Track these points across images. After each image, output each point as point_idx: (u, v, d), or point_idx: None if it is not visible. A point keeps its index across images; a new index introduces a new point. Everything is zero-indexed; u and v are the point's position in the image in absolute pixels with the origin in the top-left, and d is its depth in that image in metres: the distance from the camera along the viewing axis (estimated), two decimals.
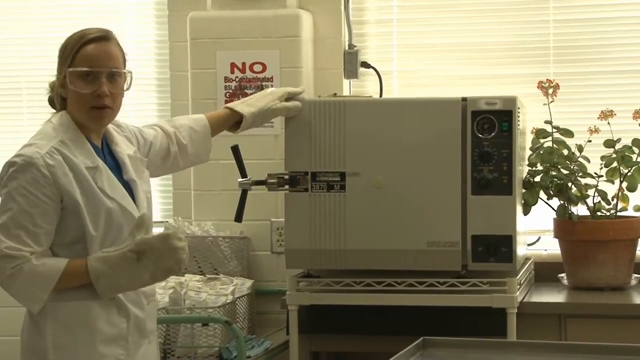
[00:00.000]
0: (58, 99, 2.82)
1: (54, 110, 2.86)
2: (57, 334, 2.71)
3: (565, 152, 4.00)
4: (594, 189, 3.98)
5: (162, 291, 3.87)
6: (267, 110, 3.44)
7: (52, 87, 2.84)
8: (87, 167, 2.73)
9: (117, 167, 2.85)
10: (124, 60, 2.84)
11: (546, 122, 4.03)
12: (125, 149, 2.88)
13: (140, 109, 4.67)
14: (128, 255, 2.66)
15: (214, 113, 3.41)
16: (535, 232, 4.24)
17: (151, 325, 2.89)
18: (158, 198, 4.62)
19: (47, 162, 2.67)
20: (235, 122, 3.39)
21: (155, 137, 3.11)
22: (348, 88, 4.53)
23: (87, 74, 2.74)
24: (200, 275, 4.13)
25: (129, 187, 2.83)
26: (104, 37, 2.79)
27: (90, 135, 2.81)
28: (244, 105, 3.39)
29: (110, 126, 2.88)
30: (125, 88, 2.83)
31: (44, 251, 2.69)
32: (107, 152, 2.85)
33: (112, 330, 2.75)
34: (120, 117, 4.55)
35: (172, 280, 3.99)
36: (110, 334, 2.75)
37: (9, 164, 2.70)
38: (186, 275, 4.11)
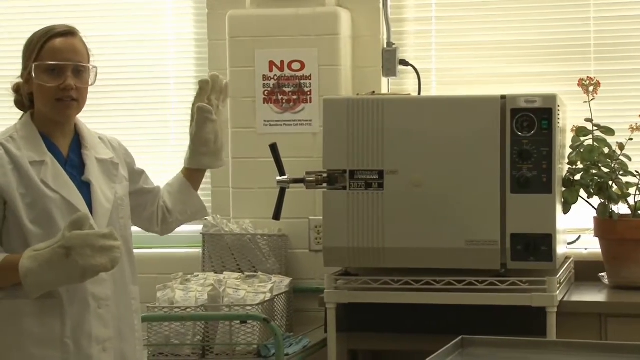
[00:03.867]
0: (27, 98, 2.81)
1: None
2: None
3: (606, 150, 3.97)
4: (635, 187, 3.95)
5: (200, 289, 3.89)
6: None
7: (17, 88, 2.83)
8: (33, 161, 2.73)
9: (83, 168, 2.82)
10: (88, 57, 2.83)
11: (587, 120, 4.00)
12: (94, 153, 2.85)
13: (179, 107, 4.69)
14: (57, 251, 2.59)
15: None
16: (576, 230, 4.21)
17: (104, 332, 2.77)
18: None
19: None
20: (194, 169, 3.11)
21: (145, 184, 3.02)
22: (386, 86, 4.52)
23: (53, 68, 2.75)
24: (239, 273, 4.14)
25: (88, 188, 2.80)
26: (70, 32, 2.80)
27: (54, 134, 2.80)
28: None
29: (87, 131, 2.88)
30: (90, 83, 2.81)
31: None
32: (76, 154, 2.83)
33: (43, 331, 2.69)
34: (163, 114, 4.63)
35: (211, 277, 4.00)
36: (42, 335, 2.69)
37: None
38: (225, 272, 4.13)
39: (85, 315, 2.73)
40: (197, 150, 3.03)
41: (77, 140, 2.85)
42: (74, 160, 2.82)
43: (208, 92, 3.00)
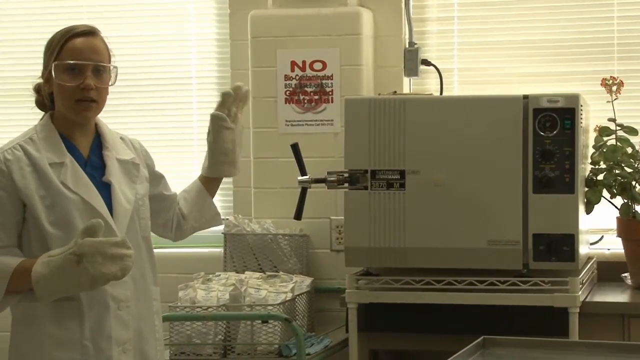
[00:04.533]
0: (47, 98, 2.81)
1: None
2: (15, 334, 2.72)
3: (629, 150, 3.95)
4: None
5: (222, 288, 3.90)
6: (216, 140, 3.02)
7: (38, 88, 2.83)
8: (52, 162, 2.72)
9: (103, 169, 2.82)
10: (109, 57, 2.82)
11: (610, 119, 3.98)
12: (115, 154, 2.84)
13: (201, 107, 4.70)
14: (69, 257, 2.56)
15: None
16: (598, 231, 4.19)
17: (124, 334, 2.75)
18: (218, 196, 4.62)
19: (5, 157, 2.69)
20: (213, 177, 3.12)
21: (164, 189, 3.01)
22: (408, 86, 4.52)
23: (73, 67, 2.74)
24: (260, 272, 4.15)
25: (108, 189, 2.79)
26: (91, 32, 2.79)
27: (74, 134, 2.79)
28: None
29: (108, 131, 2.87)
30: (110, 83, 2.81)
31: (7, 249, 2.67)
32: (97, 155, 2.83)
33: (62, 333, 2.69)
34: (184, 114, 4.66)
35: (233, 277, 4.01)
36: (61, 337, 2.69)
37: None
38: (246, 272, 4.14)
39: (105, 317, 2.73)
40: (215, 159, 3.03)
41: (98, 141, 2.84)
42: (94, 161, 2.81)
43: (229, 103, 3.01)
